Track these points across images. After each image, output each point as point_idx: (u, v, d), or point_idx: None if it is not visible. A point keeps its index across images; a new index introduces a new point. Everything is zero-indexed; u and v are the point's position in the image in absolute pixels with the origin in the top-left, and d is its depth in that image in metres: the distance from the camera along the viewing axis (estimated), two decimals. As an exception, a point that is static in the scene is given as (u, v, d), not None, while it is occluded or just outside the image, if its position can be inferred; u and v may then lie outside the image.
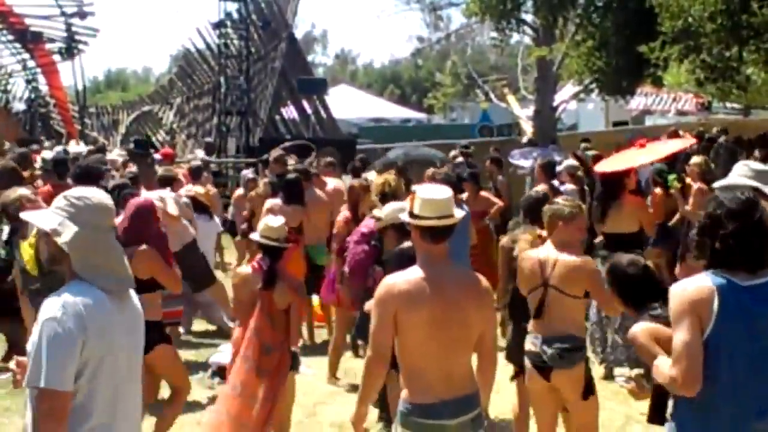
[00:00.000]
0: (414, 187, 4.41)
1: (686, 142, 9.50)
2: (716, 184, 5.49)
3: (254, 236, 6.23)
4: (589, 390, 5.40)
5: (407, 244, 5.83)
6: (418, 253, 4.22)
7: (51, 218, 3.20)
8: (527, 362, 5.49)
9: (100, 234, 3.21)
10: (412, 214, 4.20)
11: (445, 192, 4.24)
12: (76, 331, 3.03)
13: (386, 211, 6.38)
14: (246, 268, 6.18)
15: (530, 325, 5.54)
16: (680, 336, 3.40)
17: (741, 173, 5.42)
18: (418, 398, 4.10)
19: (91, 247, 3.17)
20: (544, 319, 5.38)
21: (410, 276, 4.12)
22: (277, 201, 9.48)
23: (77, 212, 3.18)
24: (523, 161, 15.27)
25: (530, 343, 5.46)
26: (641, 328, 3.96)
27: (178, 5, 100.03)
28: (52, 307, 3.07)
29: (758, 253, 3.45)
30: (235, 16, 21.81)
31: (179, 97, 26.72)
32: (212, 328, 10.32)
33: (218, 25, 21.66)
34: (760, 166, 5.61)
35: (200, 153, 18.34)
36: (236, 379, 5.89)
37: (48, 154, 12.15)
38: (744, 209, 3.47)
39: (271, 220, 6.22)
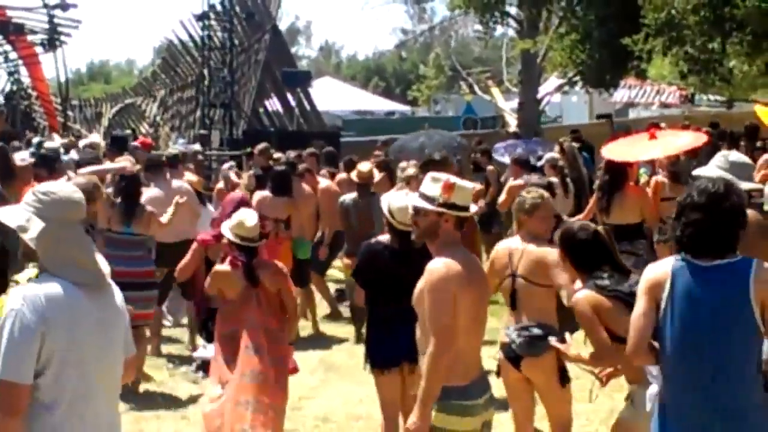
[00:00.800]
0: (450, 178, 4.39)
1: (699, 138, 9.31)
2: (694, 173, 5.60)
3: (226, 233, 6.01)
4: (564, 378, 5.40)
5: (383, 237, 5.81)
6: (449, 241, 4.28)
7: (19, 215, 3.19)
8: (500, 354, 5.50)
9: (68, 228, 3.20)
10: (454, 206, 4.24)
11: (469, 183, 4.48)
12: (34, 324, 3.02)
13: (393, 206, 5.62)
14: (225, 267, 6.06)
15: (505, 319, 5.60)
16: (634, 312, 3.69)
17: (717, 164, 5.50)
18: (454, 381, 4.18)
19: (59, 241, 3.16)
20: (517, 309, 5.42)
21: (457, 260, 4.21)
22: (266, 193, 9.42)
23: (44, 207, 3.18)
24: (508, 158, 15.21)
25: (504, 335, 5.50)
26: (584, 295, 4.11)
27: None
28: (14, 299, 3.07)
29: (721, 241, 3.59)
30: (219, 7, 21.69)
31: (163, 89, 26.57)
32: (197, 321, 10.26)
33: (202, 16, 21.52)
34: (737, 157, 5.64)
35: (196, 145, 18.13)
36: (247, 368, 5.78)
37: (52, 145, 12.01)
38: (706, 202, 3.59)
39: (247, 219, 5.97)
